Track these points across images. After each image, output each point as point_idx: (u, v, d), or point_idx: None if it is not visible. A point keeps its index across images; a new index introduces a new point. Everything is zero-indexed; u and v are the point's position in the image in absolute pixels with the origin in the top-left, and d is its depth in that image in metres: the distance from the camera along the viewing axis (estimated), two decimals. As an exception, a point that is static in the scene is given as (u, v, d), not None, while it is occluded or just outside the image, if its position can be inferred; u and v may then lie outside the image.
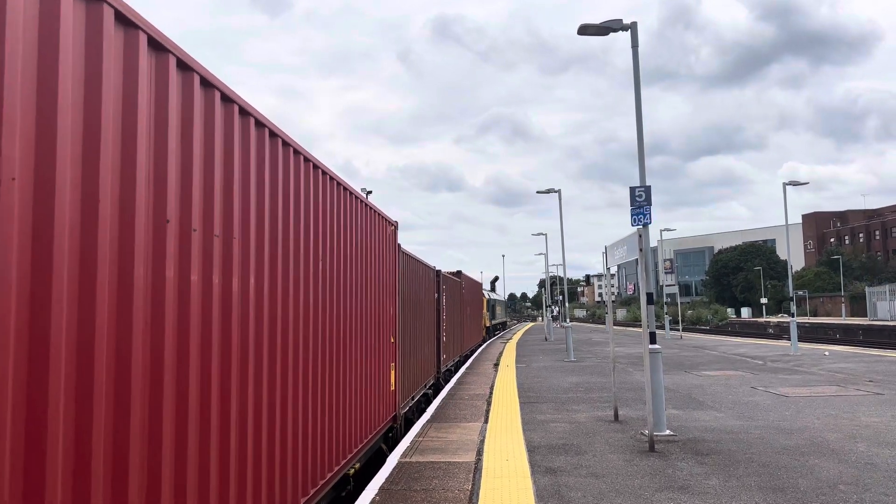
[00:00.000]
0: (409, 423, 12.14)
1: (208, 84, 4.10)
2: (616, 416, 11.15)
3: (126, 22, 3.24)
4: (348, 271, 7.44)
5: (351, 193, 7.57)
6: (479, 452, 8.77)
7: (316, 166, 6.22)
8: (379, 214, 9.22)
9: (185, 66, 3.82)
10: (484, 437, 9.84)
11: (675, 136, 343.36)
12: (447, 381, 18.90)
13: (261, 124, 4.89)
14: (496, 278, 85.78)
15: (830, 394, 13.56)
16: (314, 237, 6.12)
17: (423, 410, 13.54)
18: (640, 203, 9.94)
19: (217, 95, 4.22)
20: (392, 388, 10.17)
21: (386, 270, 9.71)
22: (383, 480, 7.43)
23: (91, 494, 2.90)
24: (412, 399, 12.97)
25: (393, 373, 10.20)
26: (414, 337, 13.26)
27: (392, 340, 10.19)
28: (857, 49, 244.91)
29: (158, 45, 3.55)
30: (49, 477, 2.68)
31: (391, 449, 9.77)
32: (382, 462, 8.70)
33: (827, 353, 25.37)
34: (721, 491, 6.77)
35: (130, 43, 3.30)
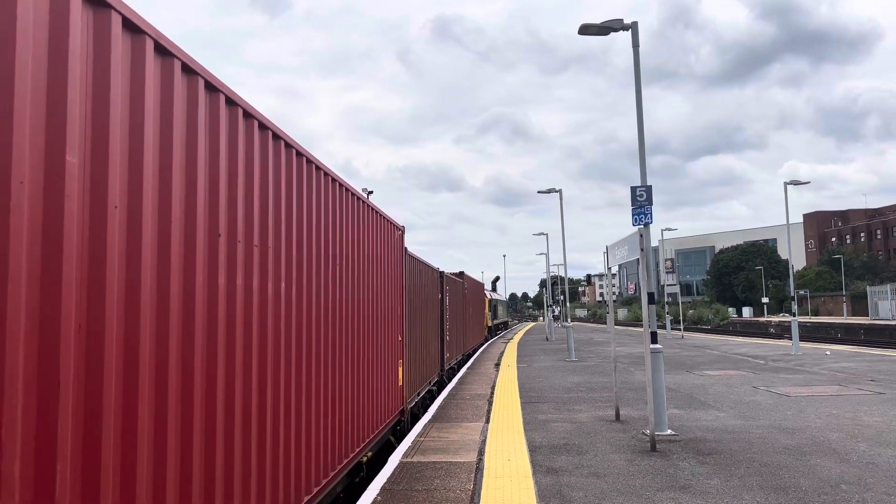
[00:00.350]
0: (414, 419, 12.52)
1: (232, 103, 4.43)
2: (617, 415, 11.16)
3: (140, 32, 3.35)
4: (361, 274, 7.92)
5: (363, 202, 8.11)
6: (481, 452, 8.78)
7: (334, 179, 6.81)
8: (388, 220, 9.70)
9: (212, 88, 4.16)
10: (485, 437, 9.85)
11: (676, 136, 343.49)
12: (450, 379, 19.35)
13: (289, 145, 5.46)
14: (497, 278, 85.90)
15: (832, 393, 13.56)
16: (332, 244, 6.67)
17: (428, 407, 13.91)
18: (642, 203, 9.95)
19: (240, 112, 4.53)
20: (400, 383, 10.65)
21: (394, 273, 10.22)
22: (385, 480, 7.43)
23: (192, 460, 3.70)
24: (418, 395, 13.50)
25: (401, 369, 10.70)
26: (419, 336, 13.72)
27: (400, 339, 10.62)
28: (858, 48, 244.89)
29: (189, 69, 3.82)
30: (151, 452, 3.33)
31: (399, 441, 10.22)
32: (391, 452, 9.14)
33: (828, 352, 25.37)
34: (723, 490, 6.77)
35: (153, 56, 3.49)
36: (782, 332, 49.81)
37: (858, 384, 14.96)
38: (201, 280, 3.88)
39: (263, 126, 4.87)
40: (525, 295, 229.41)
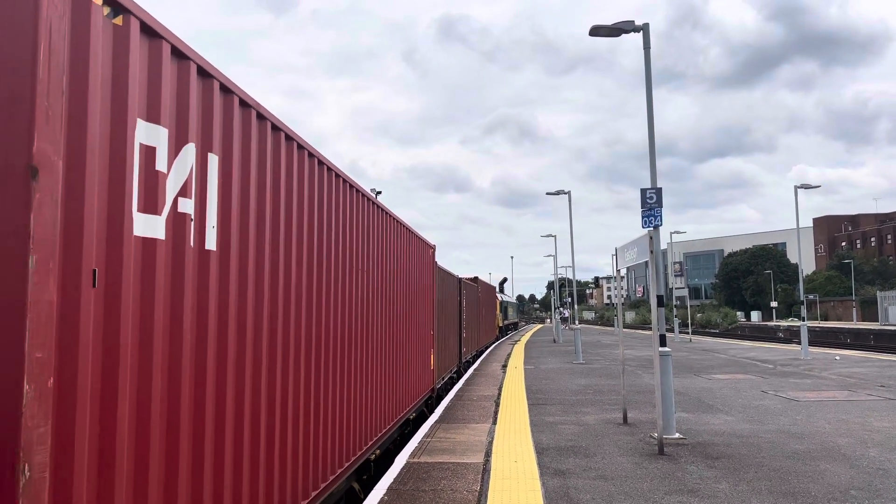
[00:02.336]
0: (439, 399, 15.11)
1: (290, 138, 5.18)
2: (625, 418, 11.11)
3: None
4: (404, 282, 10.11)
5: (407, 229, 10.31)
6: (488, 454, 8.77)
7: (388, 214, 8.87)
8: (422, 241, 12.07)
9: (272, 125, 4.80)
10: (492, 438, 9.83)
11: (684, 138, 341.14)
12: (466, 370, 22.09)
13: (340, 177, 6.61)
14: (504, 280, 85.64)
15: (841, 398, 13.47)
16: (388, 262, 8.91)
17: (449, 390, 16.88)
18: (651, 205, 9.90)
19: (295, 146, 5.29)
20: (431, 367, 13.48)
21: (427, 281, 12.75)
22: (392, 480, 7.43)
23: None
24: (442, 379, 16.22)
25: (432, 356, 13.51)
26: (443, 332, 16.34)
27: (431, 333, 13.31)
28: (869, 50, 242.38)
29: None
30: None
31: (431, 411, 13.28)
32: (425, 419, 11.96)
33: (838, 357, 25.20)
34: (731, 495, 6.73)
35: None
36: (791, 336, 49.53)
37: (868, 389, 14.85)
38: (295, 282, 5.20)
39: (322, 163, 5.95)
40: (532, 297, 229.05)
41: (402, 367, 9.96)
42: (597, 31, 11.50)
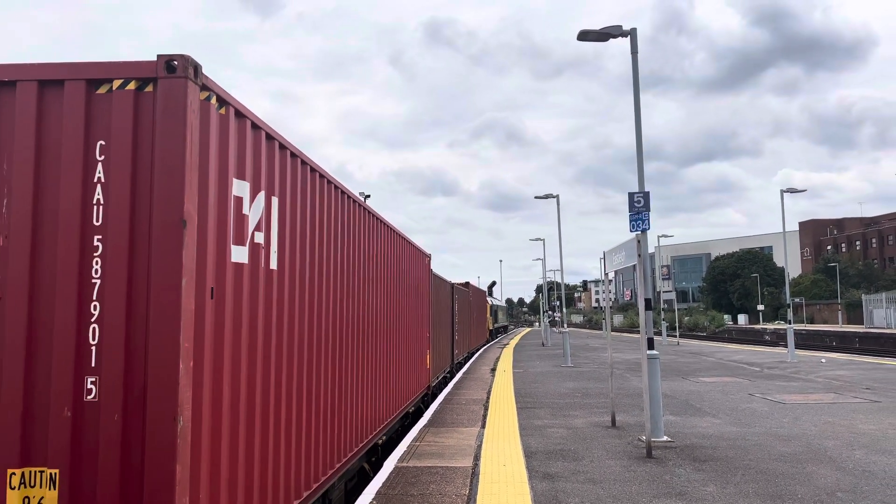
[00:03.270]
0: (434, 396, 16.18)
1: (331, 182, 6.54)
2: (613, 421, 11.14)
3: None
4: (403, 289, 11.03)
5: (408, 242, 11.43)
6: (477, 457, 8.76)
7: (394, 230, 10.07)
8: (420, 251, 13.11)
9: (311, 168, 5.96)
10: (481, 442, 9.82)
11: (670, 142, 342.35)
12: (458, 371, 22.82)
13: (357, 203, 7.69)
14: (493, 283, 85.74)
15: (828, 401, 13.57)
16: (393, 271, 10.03)
17: (442, 388, 17.85)
18: (639, 209, 9.94)
19: (341, 192, 6.92)
20: (428, 366, 14.38)
21: (424, 288, 13.82)
22: (380, 485, 7.40)
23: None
24: (437, 378, 17.01)
25: (428, 356, 14.43)
26: (438, 334, 17.14)
27: (427, 335, 14.25)
28: (853, 55, 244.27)
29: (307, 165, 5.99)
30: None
31: (427, 406, 14.33)
32: (421, 416, 12.85)
33: (824, 360, 25.40)
34: (718, 497, 6.76)
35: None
36: (778, 339, 49.86)
37: (854, 392, 14.97)
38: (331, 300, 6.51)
39: (345, 193, 7.04)
40: (521, 300, 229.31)
41: (404, 365, 11.05)
42: (585, 36, 11.55)
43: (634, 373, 19.72)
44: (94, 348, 3.60)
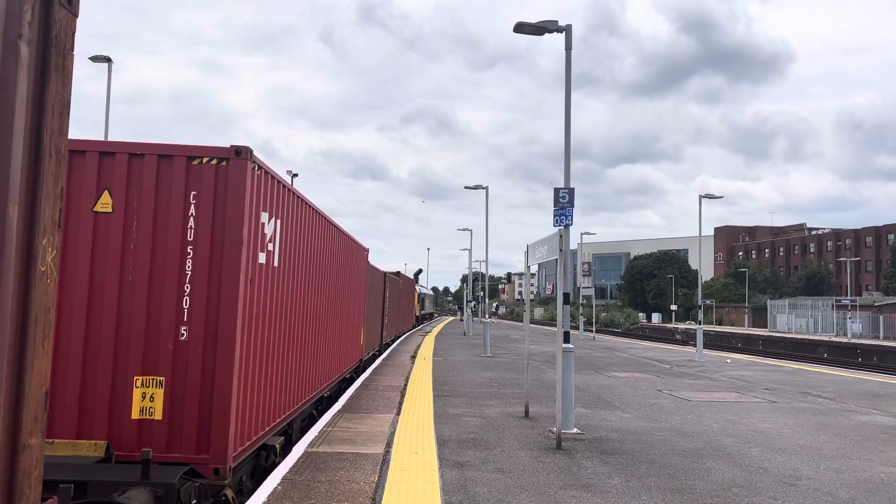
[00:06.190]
0: (365, 367, 18.55)
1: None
2: (527, 412, 11.29)
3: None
4: (347, 279, 13.21)
5: (353, 241, 13.88)
6: (389, 444, 8.69)
7: (343, 232, 12.25)
8: (360, 246, 15.52)
9: (300, 198, 8.41)
10: (395, 429, 9.76)
11: (596, 142, 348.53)
12: (387, 349, 25.00)
13: (322, 216, 9.93)
14: (419, 271, 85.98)
15: (730, 400, 14.17)
16: (340, 263, 12.07)
17: (372, 363, 20.14)
18: (564, 204, 10.06)
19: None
20: (361, 343, 16.62)
21: (362, 276, 16.11)
22: (287, 470, 7.23)
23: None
24: (368, 354, 19.08)
25: (362, 334, 16.64)
26: (371, 316, 19.21)
27: (363, 316, 16.56)
28: (772, 68, 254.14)
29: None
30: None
31: (357, 376, 16.68)
32: (352, 383, 15.03)
33: (729, 360, 26.57)
34: (622, 490, 6.92)
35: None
36: (688, 338, 51.94)
37: (754, 392, 15.69)
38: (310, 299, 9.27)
39: (318, 213, 9.53)
40: (447, 289, 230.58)
41: (344, 339, 13.40)
42: (521, 28, 11.55)
43: (550, 365, 20.08)
44: (185, 311, 5.87)
